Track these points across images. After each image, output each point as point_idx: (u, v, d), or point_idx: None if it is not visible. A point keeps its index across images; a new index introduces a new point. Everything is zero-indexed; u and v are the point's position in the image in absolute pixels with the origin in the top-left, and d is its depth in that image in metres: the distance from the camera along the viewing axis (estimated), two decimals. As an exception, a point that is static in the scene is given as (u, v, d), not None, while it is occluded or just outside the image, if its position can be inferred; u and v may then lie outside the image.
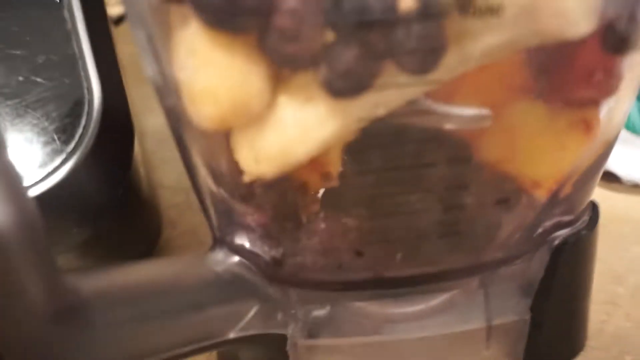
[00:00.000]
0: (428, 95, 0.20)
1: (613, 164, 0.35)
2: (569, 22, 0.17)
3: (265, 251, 0.23)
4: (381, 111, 0.19)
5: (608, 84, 0.20)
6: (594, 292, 0.32)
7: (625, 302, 0.31)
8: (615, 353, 0.29)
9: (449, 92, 0.21)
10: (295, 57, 0.17)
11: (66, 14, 0.24)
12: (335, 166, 0.22)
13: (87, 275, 0.19)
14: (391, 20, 0.16)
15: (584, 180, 0.22)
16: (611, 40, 0.18)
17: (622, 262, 0.33)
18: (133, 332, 0.19)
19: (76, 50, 0.24)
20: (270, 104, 0.19)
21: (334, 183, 0.22)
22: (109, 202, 0.25)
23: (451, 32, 0.17)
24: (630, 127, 0.33)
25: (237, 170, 0.20)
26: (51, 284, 0.16)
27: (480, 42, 0.18)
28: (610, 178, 0.36)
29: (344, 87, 0.18)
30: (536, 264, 0.25)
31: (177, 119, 0.20)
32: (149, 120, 0.37)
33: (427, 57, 0.17)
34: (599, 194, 0.37)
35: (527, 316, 0.26)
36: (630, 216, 0.35)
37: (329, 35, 0.16)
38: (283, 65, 0.17)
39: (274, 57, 0.17)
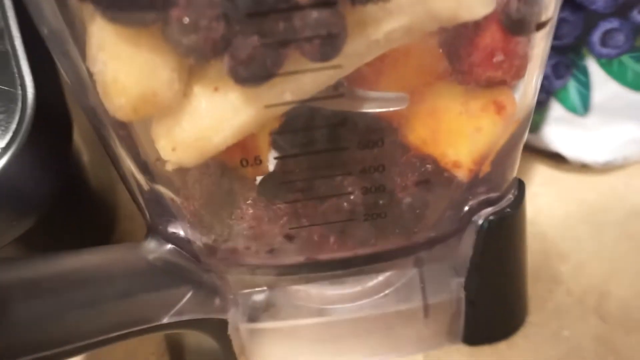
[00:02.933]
0: (348, 80, 0.21)
1: (559, 145, 0.35)
2: (462, 5, 0.18)
3: (197, 238, 0.24)
4: (289, 97, 0.19)
5: (512, 65, 0.20)
6: (538, 269, 0.32)
7: (567, 279, 0.32)
8: (553, 328, 0.30)
9: (367, 77, 0.21)
10: (196, 47, 0.17)
11: (-3, 11, 0.25)
12: (264, 151, 0.22)
13: (8, 265, 0.19)
14: (285, 8, 0.17)
15: (502, 158, 0.23)
16: (508, 21, 0.19)
17: (567, 241, 0.34)
18: (56, 320, 0.19)
19: (9, 47, 0.25)
20: (184, 94, 0.19)
21: (265, 168, 0.23)
22: (49, 195, 0.26)
23: (350, 18, 0.18)
24: (571, 107, 0.34)
25: (159, 160, 0.21)
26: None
27: (380, 28, 0.18)
28: (559, 159, 0.36)
29: (248, 75, 0.18)
30: (465, 244, 0.25)
31: (94, 112, 0.20)
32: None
33: (327, 44, 0.18)
34: (547, 175, 0.37)
35: (462, 294, 0.27)
36: (576, 196, 0.36)
37: (227, 26, 0.17)
38: (187, 56, 0.18)
39: (177, 48, 0.18)
